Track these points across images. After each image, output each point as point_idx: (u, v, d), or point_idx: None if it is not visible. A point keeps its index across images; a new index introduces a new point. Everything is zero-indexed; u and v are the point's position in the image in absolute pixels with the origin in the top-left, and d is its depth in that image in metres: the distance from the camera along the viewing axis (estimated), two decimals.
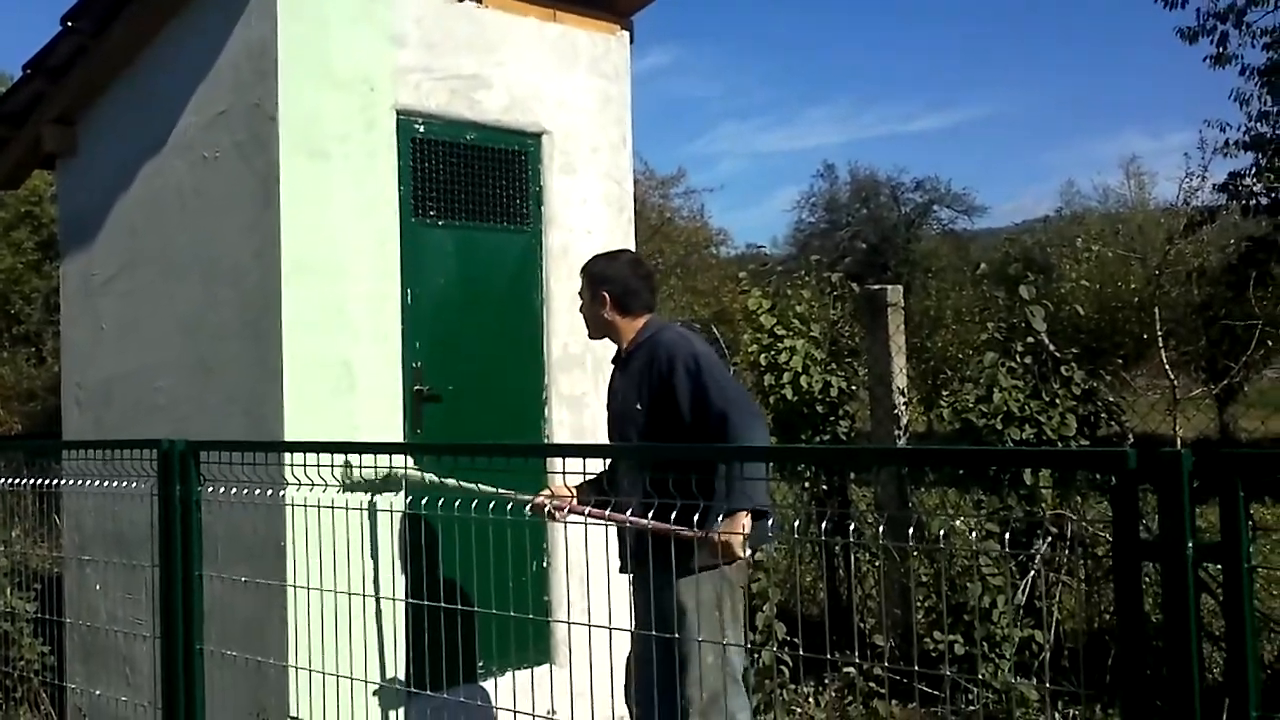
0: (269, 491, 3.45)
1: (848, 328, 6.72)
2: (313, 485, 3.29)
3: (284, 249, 4.21)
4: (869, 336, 6.28)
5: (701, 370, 3.64)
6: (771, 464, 4.38)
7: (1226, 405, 16.67)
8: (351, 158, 4.42)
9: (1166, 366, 5.95)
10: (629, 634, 3.69)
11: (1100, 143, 72.46)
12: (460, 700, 4.34)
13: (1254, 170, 14.36)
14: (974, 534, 5.22)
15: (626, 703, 3.80)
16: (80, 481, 4.22)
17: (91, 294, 5.26)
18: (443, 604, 3.47)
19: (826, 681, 5.44)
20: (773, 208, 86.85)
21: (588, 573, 2.99)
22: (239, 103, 4.41)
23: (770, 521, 3.74)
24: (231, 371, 4.42)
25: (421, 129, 4.75)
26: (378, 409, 4.41)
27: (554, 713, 3.95)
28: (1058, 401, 5.51)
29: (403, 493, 3.60)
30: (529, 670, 3.49)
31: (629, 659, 3.80)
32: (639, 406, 3.78)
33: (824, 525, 4.18)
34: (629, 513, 3.08)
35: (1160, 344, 6.48)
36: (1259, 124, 14.23)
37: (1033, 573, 5.35)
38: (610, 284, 3.92)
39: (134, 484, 3.85)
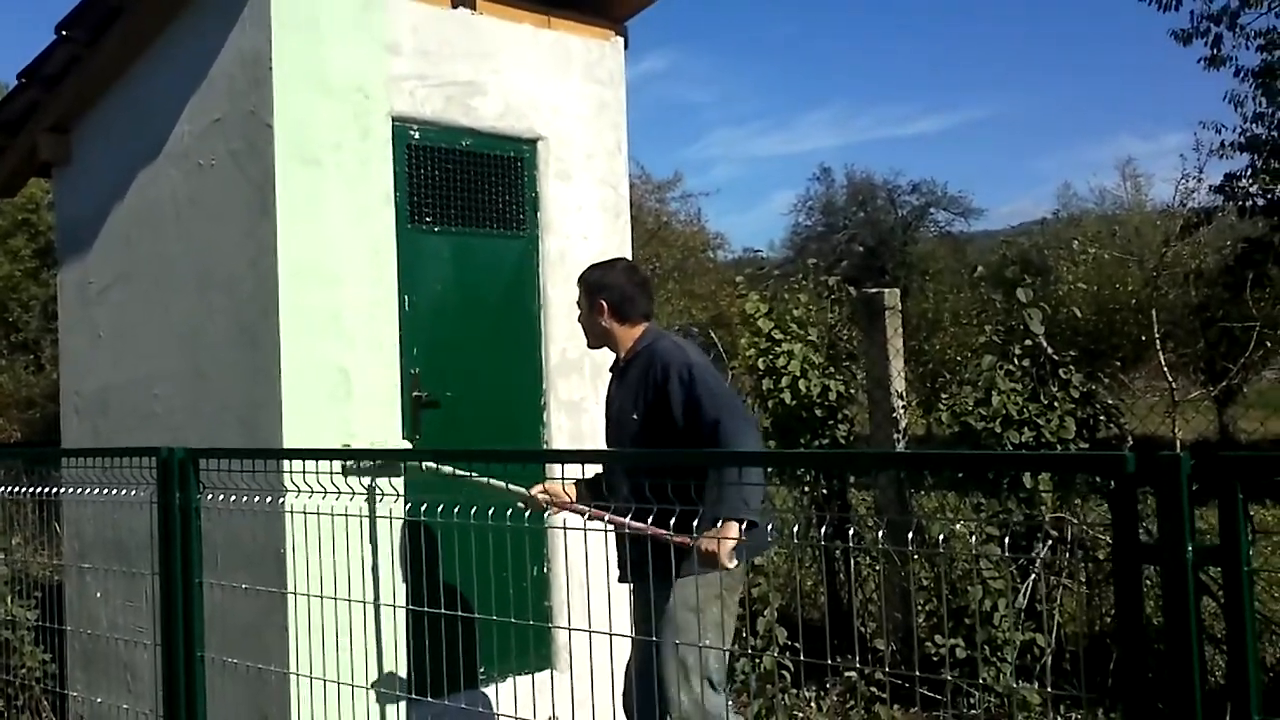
0: (268, 499, 3.45)
1: (845, 331, 6.71)
2: (312, 492, 3.29)
3: (280, 256, 4.20)
4: (867, 340, 6.27)
5: (695, 380, 3.64)
6: (770, 469, 4.36)
7: (1225, 407, 16.65)
8: (347, 165, 4.42)
9: (1165, 368, 5.95)
10: (629, 640, 3.69)
11: (1096, 145, 72.66)
12: (461, 706, 4.32)
13: (1250, 171, 14.39)
14: (974, 537, 5.23)
15: (625, 710, 3.79)
16: (80, 489, 4.22)
17: (88, 302, 5.25)
18: (443, 610, 3.46)
19: (828, 686, 5.44)
20: (769, 211, 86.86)
21: (588, 578, 2.99)
22: (234, 111, 4.40)
23: (770, 527, 3.73)
24: (228, 379, 4.42)
25: (417, 135, 4.75)
26: (375, 415, 4.40)
27: (555, 718, 3.95)
28: (1056, 404, 5.51)
29: (401, 478, 3.59)
30: (530, 676, 3.49)
31: (628, 666, 3.79)
32: (635, 416, 3.79)
33: (824, 530, 4.21)
34: (628, 517, 3.07)
35: (1158, 346, 6.47)
36: (1254, 125, 14.25)
37: (1033, 576, 5.35)
38: (607, 291, 3.92)
39: (133, 492, 3.84)
